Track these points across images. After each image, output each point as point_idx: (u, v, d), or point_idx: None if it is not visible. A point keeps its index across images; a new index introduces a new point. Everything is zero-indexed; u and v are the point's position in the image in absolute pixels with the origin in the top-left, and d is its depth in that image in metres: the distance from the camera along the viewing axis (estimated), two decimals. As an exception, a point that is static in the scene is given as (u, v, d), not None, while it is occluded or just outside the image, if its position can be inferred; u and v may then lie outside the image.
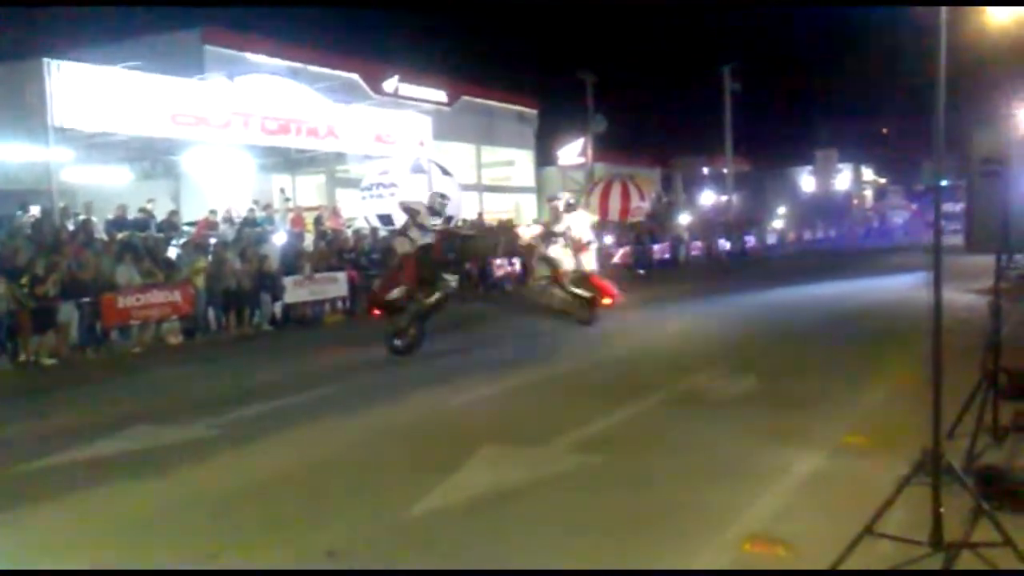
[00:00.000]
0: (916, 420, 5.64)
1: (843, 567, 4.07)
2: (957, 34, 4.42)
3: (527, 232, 14.81)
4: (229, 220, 21.00)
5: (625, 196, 36.08)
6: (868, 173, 79.84)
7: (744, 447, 6.70)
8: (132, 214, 19.23)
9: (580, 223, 15.10)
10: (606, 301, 14.58)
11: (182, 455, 7.06)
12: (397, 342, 11.97)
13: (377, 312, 12.36)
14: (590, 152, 38.57)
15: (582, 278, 14.72)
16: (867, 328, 13.39)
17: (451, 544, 4.96)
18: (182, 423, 8.26)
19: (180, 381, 11.17)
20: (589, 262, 14.94)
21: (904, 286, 18.93)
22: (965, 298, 13.58)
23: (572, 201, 15.81)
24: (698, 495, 5.62)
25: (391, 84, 28.22)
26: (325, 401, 9.25)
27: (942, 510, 4.23)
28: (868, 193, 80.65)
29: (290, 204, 24.52)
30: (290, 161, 24.23)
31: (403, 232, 12.62)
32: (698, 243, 36.92)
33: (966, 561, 4.26)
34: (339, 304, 18.61)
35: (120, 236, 17.19)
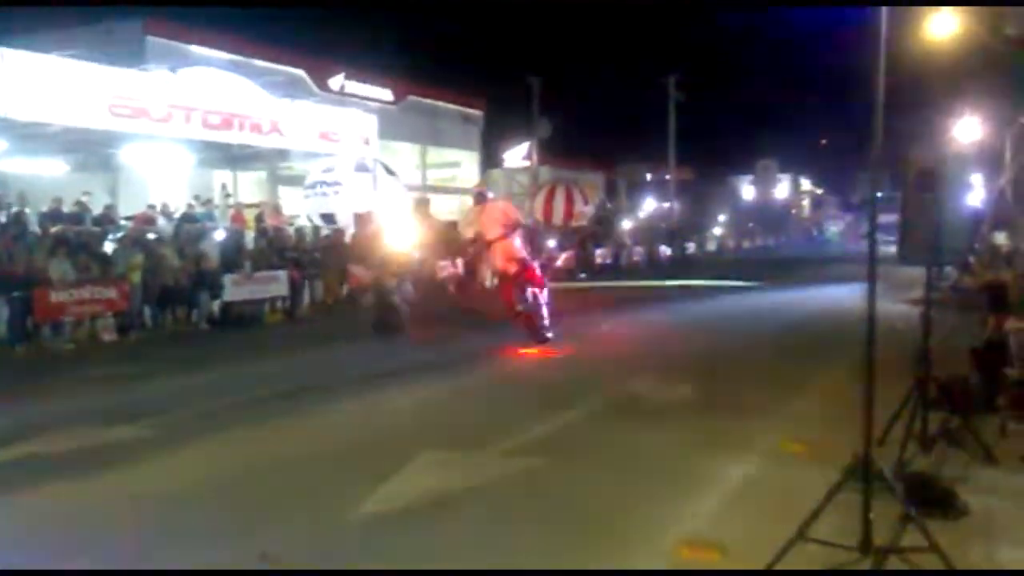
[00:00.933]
0: (849, 428, 5.76)
1: (775, 571, 4.14)
2: (895, 49, 4.52)
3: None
4: (167, 215, 20.64)
5: (569, 200, 36.29)
6: (806, 183, 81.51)
7: (681, 452, 6.76)
8: (67, 207, 18.79)
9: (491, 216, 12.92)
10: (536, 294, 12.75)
11: (114, 455, 6.91)
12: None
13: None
14: (535, 155, 38.78)
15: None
16: (803, 336, 13.63)
17: (387, 549, 4.93)
18: (116, 423, 8.09)
19: (114, 380, 10.93)
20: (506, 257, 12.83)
21: (839, 296, 19.30)
22: (898, 308, 13.89)
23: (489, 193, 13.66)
24: (635, 500, 5.66)
25: (337, 81, 28.03)
26: (263, 403, 9.15)
27: (872, 516, 4.33)
28: (806, 203, 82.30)
29: (231, 200, 24.17)
30: (232, 157, 23.88)
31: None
32: (639, 248, 37.28)
33: (894, 565, 4.36)
34: (280, 303, 18.42)
35: (54, 229, 16.76)
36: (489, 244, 12.51)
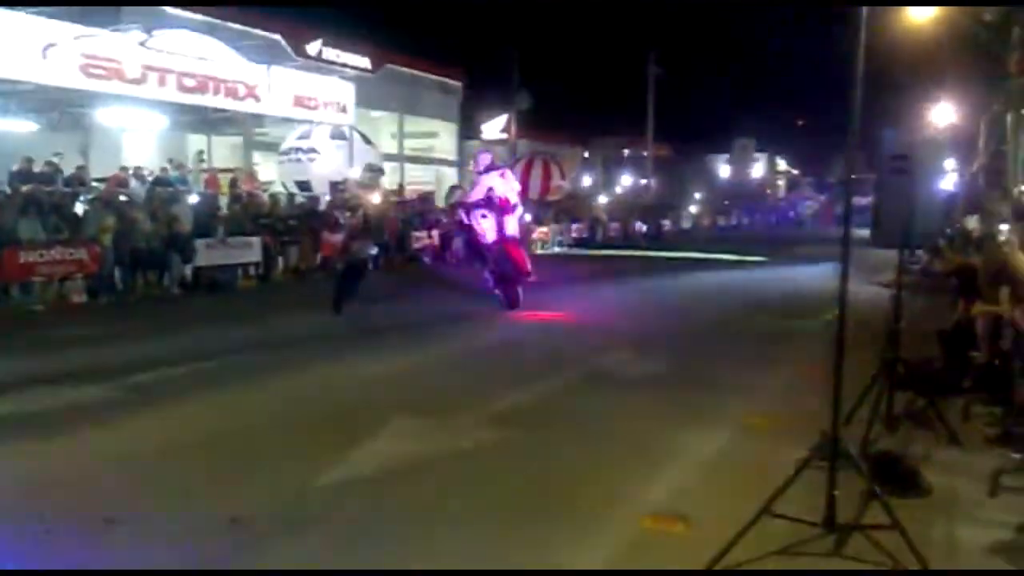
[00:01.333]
0: (816, 406, 5.83)
1: (739, 546, 4.18)
2: (873, 32, 4.53)
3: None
4: (140, 178, 20.41)
5: (546, 174, 36.17)
6: (782, 164, 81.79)
7: (650, 426, 6.81)
8: (38, 167, 18.50)
9: (504, 185, 13.98)
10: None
11: (82, 418, 6.86)
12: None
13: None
14: (513, 128, 38.57)
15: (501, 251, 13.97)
16: (774, 314, 13.74)
17: (353, 512, 4.94)
18: (83, 385, 8.03)
19: (83, 342, 10.84)
20: (512, 228, 13.99)
21: (811, 276, 19.45)
22: (869, 289, 14.01)
23: (495, 161, 14.65)
24: (602, 471, 5.70)
25: (314, 47, 27.63)
26: (233, 368, 9.12)
27: (836, 493, 4.38)
28: (781, 183, 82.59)
29: (205, 165, 23.93)
30: (207, 120, 23.59)
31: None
32: (616, 224, 37.29)
33: (857, 542, 4.42)
34: (252, 270, 18.30)
35: (25, 189, 16.53)
36: (506, 210, 13.47)
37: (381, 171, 14.06)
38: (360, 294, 12.90)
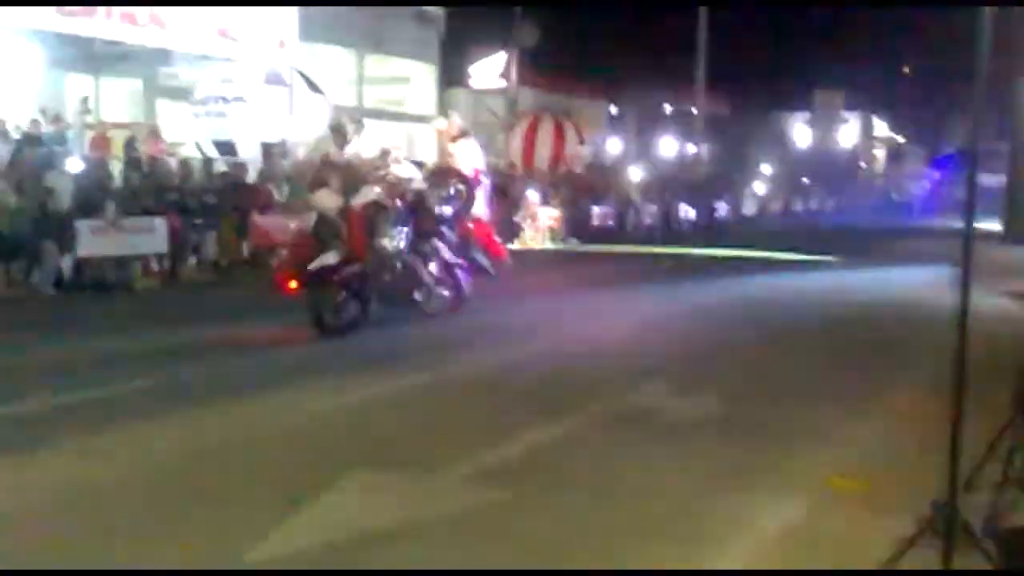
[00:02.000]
0: (924, 461, 5.84)
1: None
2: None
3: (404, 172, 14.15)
4: (2, 135, 20.41)
5: (559, 138, 36.28)
6: (882, 127, 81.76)
7: (697, 490, 6.79)
8: None
9: (469, 155, 15.28)
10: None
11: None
12: (328, 319, 12.48)
13: (292, 286, 12.49)
14: (515, 73, 38.65)
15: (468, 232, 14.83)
16: (866, 337, 13.72)
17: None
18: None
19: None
20: (479, 206, 15.08)
21: (919, 283, 19.46)
22: (997, 303, 14.08)
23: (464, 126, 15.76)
24: (631, 555, 5.71)
25: (243, -41, 27.71)
26: (134, 397, 9.14)
27: (953, 583, 4.39)
28: (880, 153, 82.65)
29: (91, 118, 23.93)
30: (94, 57, 23.62)
31: (320, 179, 13.28)
32: (652, 207, 37.38)
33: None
34: (155, 264, 18.32)
35: None
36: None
37: (360, 123, 14.42)
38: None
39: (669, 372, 10.74)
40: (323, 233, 12.75)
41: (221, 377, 10.21)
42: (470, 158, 15.17)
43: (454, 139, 15.36)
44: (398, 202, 13.61)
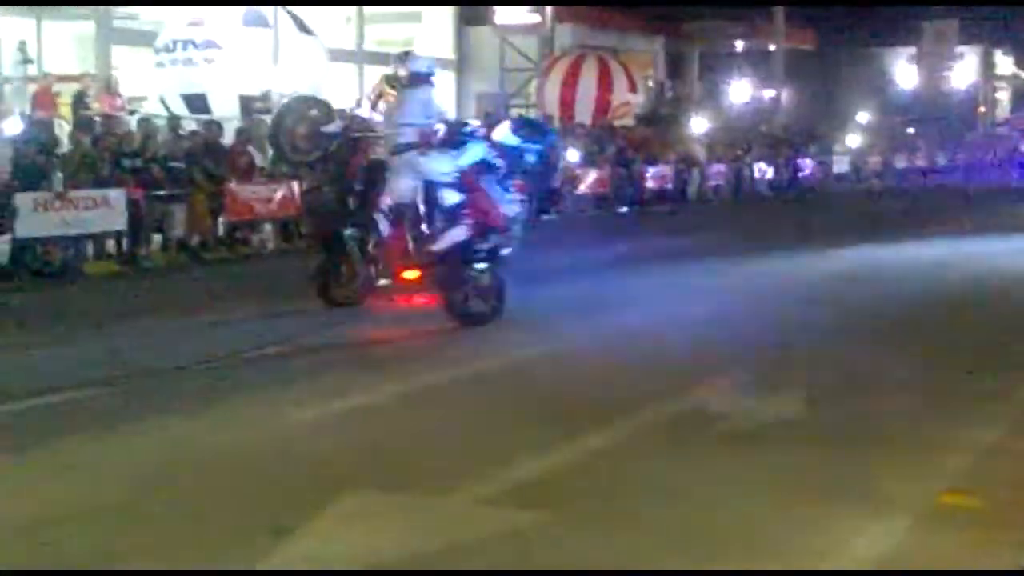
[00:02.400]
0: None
1: None
2: None
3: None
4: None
5: (604, 83, 36.30)
6: (1006, 63, 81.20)
7: (774, 510, 6.75)
8: None
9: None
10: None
11: None
12: (476, 306, 12.80)
13: (411, 276, 13.06)
14: (549, 7, 38.57)
15: None
16: (985, 321, 13.63)
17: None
18: None
19: None
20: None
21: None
22: None
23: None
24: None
25: None
26: (93, 406, 9.23)
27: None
28: (1003, 96, 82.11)
29: (33, 70, 24.06)
30: (36, -5, 23.76)
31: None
32: (721, 167, 37.24)
33: None
34: (112, 245, 18.34)
35: None
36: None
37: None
38: None
39: (739, 366, 10.71)
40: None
41: (199, 377, 10.25)
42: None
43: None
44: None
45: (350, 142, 14.04)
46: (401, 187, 13.24)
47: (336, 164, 13.89)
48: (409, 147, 13.17)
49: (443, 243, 12.72)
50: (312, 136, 14.04)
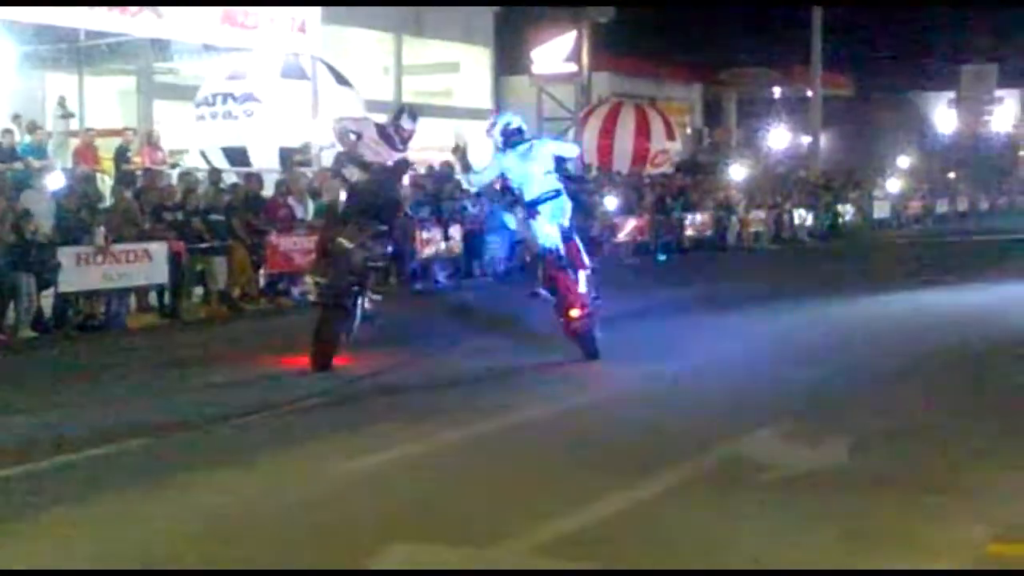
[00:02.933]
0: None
1: None
2: None
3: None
4: (-32, 148, 20.73)
5: (642, 131, 36.35)
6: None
7: (820, 558, 6.73)
8: None
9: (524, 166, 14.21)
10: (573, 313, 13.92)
11: None
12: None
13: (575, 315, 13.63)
14: (586, 56, 38.66)
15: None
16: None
17: None
18: None
19: None
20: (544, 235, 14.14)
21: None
22: None
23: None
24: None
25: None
26: (139, 460, 9.28)
27: None
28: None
29: (74, 124, 24.22)
30: (77, 51, 23.94)
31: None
32: (760, 213, 37.15)
33: None
34: (154, 298, 18.42)
35: None
36: (531, 210, 13.82)
37: (413, 116, 14.25)
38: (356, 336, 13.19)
39: (786, 415, 10.66)
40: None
41: (244, 430, 10.33)
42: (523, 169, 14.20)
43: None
44: None
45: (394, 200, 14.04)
46: (550, 233, 13.71)
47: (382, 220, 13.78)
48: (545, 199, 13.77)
49: (585, 285, 13.64)
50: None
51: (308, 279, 13.94)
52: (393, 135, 13.82)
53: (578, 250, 14.01)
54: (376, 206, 13.46)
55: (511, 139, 14.11)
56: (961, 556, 6.74)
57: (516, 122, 14.44)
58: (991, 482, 8.42)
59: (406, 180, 14.84)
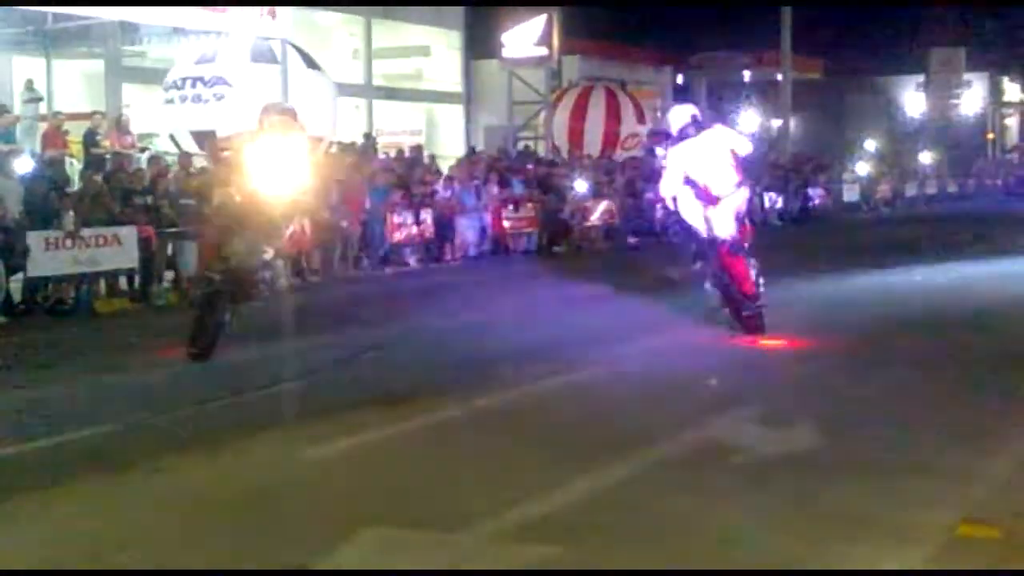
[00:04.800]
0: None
1: None
2: None
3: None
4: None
5: (613, 114, 36.34)
6: (1013, 90, 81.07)
7: (793, 540, 6.76)
8: None
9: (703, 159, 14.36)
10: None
11: None
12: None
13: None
14: (556, 39, 38.60)
15: None
16: (1006, 349, 13.56)
17: None
18: None
19: None
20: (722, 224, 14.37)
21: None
22: None
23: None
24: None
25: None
26: (108, 445, 9.26)
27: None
28: (1012, 122, 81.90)
29: (42, 108, 24.11)
30: (45, 34, 23.82)
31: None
32: (732, 197, 37.26)
33: None
34: (124, 282, 18.35)
35: None
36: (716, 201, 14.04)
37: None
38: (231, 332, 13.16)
39: (755, 399, 10.69)
40: None
41: (203, 420, 10.23)
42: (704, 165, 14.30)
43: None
44: None
45: None
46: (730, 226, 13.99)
47: None
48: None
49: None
50: None
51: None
52: None
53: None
54: None
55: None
56: (933, 537, 6.79)
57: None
58: (963, 466, 8.45)
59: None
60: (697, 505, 7.50)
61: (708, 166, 14.06)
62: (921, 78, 73.12)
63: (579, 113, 35.86)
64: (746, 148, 14.43)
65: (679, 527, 7.07)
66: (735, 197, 14.16)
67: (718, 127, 14.85)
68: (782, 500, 7.56)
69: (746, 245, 14.32)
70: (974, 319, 15.56)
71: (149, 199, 19.27)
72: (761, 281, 14.21)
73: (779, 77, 48.47)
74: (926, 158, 59.26)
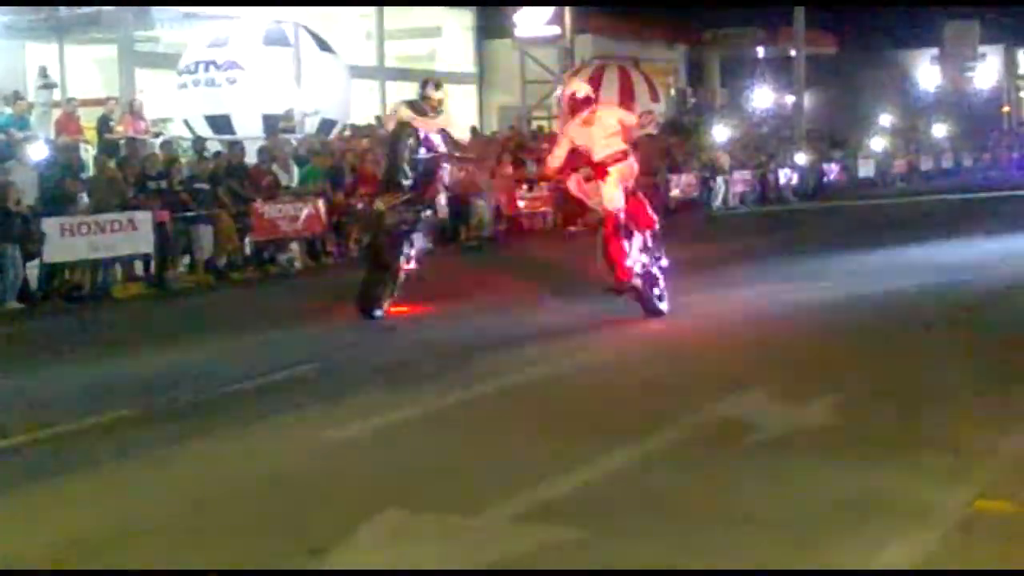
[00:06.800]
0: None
1: None
2: None
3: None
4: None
5: (626, 92, 36.11)
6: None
7: (809, 518, 6.74)
8: None
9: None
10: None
11: None
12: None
13: None
14: (568, 18, 38.49)
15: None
16: (1022, 322, 13.52)
17: None
18: None
19: None
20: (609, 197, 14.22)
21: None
22: None
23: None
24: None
25: None
26: (130, 429, 9.30)
27: None
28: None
29: (57, 95, 24.11)
30: (58, 20, 23.82)
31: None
32: (746, 174, 37.10)
33: None
34: (140, 267, 18.37)
35: None
36: (600, 170, 13.75)
37: (437, 85, 15.27)
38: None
39: (771, 377, 10.64)
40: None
41: (221, 403, 10.29)
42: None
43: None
44: None
45: (430, 169, 14.72)
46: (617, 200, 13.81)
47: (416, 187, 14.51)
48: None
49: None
50: (411, 161, 14.42)
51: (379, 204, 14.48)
52: (424, 106, 14.63)
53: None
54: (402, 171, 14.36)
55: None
56: (949, 514, 6.75)
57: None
58: (989, 438, 8.41)
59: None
60: (717, 481, 7.49)
61: (597, 137, 13.94)
62: (936, 52, 72.86)
63: (593, 90, 35.69)
64: (631, 120, 15.18)
65: (694, 505, 7.05)
66: (622, 167, 13.99)
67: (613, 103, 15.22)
68: (798, 478, 7.54)
69: (633, 226, 13.99)
70: (996, 298, 15.50)
71: (163, 184, 19.28)
72: (659, 267, 14.16)
73: (793, 53, 48.30)
74: (941, 132, 59.08)
